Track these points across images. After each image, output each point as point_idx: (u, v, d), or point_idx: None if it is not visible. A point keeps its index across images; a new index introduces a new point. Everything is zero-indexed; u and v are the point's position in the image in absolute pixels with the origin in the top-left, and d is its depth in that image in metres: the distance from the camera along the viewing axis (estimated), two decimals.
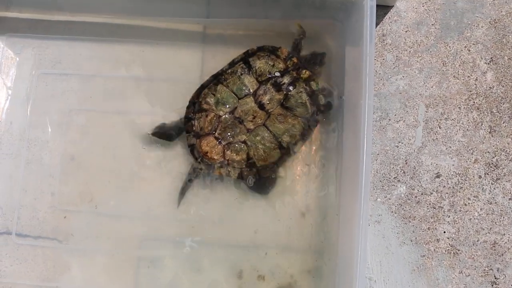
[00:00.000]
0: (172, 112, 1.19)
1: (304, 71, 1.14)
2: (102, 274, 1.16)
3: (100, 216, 1.18)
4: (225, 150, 1.12)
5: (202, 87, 1.16)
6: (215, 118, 1.13)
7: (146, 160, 1.19)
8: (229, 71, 1.14)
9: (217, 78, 1.15)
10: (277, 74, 1.13)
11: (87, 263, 1.16)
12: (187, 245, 1.16)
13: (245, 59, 1.15)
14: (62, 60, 1.24)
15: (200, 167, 1.15)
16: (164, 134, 1.18)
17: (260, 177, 1.14)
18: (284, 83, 1.12)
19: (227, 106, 1.13)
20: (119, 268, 1.16)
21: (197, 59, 1.22)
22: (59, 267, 1.17)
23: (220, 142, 1.12)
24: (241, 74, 1.13)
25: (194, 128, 1.14)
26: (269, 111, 1.12)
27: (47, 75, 1.24)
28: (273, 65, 1.13)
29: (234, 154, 1.12)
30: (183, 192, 1.17)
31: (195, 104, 1.16)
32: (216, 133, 1.12)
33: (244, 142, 1.12)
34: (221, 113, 1.13)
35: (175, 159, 1.19)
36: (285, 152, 1.14)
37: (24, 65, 1.25)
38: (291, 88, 1.12)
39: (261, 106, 1.12)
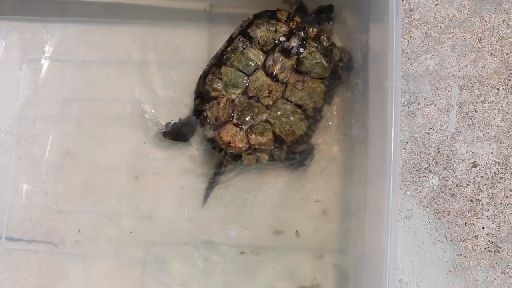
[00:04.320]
0: (177, 99, 1.20)
1: (311, 29, 1.12)
2: (103, 281, 1.16)
3: (99, 216, 1.18)
4: (249, 135, 1.11)
5: (205, 74, 1.15)
6: (228, 103, 1.11)
7: (149, 153, 1.19)
8: (229, 48, 1.12)
9: (219, 60, 1.13)
10: (282, 38, 1.11)
11: (87, 269, 1.17)
12: (197, 247, 1.16)
13: (243, 32, 1.13)
14: (53, 45, 1.24)
15: (227, 160, 1.13)
16: (177, 135, 1.17)
17: (293, 153, 1.14)
18: (292, 47, 1.10)
19: (238, 87, 1.11)
20: (122, 274, 1.16)
21: (203, 41, 1.22)
22: (55, 273, 1.17)
23: (241, 128, 1.11)
24: (244, 49, 1.11)
25: (208, 120, 1.13)
26: (284, 80, 1.11)
27: (37, 61, 1.24)
28: (276, 30, 1.11)
29: (260, 137, 1.11)
30: (209, 190, 1.17)
31: (202, 94, 1.14)
32: (234, 119, 1.11)
33: (267, 120, 1.11)
34: (233, 96, 1.11)
35: (183, 152, 1.19)
36: (312, 120, 1.13)
37: (11, 51, 1.25)
38: (301, 50, 1.10)
39: (274, 77, 1.10)
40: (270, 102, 1.11)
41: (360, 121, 1.16)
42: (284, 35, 1.11)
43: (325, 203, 1.17)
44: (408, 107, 1.18)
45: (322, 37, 1.12)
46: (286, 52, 1.11)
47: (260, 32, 1.12)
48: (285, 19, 1.13)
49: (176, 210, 1.19)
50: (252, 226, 1.17)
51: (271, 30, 1.11)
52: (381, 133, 0.98)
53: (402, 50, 1.19)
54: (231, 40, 1.14)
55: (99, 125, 1.22)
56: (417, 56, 1.19)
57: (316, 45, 1.11)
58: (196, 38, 1.23)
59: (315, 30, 1.12)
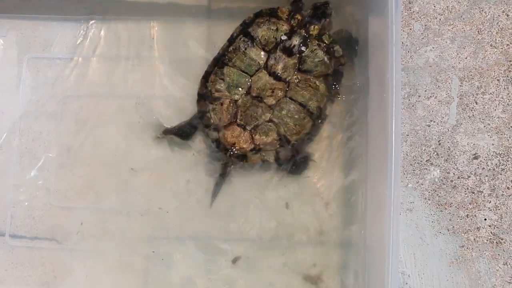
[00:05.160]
0: (176, 95, 1.20)
1: (313, 26, 1.11)
2: (107, 277, 1.17)
3: (102, 212, 1.19)
4: (253, 135, 1.11)
5: (207, 74, 1.15)
6: (231, 104, 1.12)
7: (150, 149, 1.19)
8: (231, 48, 1.13)
9: (220, 61, 1.13)
10: (284, 37, 1.11)
11: (90, 265, 1.17)
12: (201, 243, 1.17)
13: (244, 31, 1.13)
14: (53, 43, 1.25)
15: (232, 161, 1.14)
16: (177, 132, 1.17)
17: (297, 153, 1.14)
18: (294, 45, 1.10)
19: (241, 87, 1.11)
20: (126, 270, 1.17)
21: (202, 36, 1.22)
22: (59, 270, 1.18)
23: (245, 129, 1.11)
24: (245, 49, 1.11)
25: (212, 121, 1.13)
26: (287, 80, 1.11)
27: (37, 59, 1.25)
28: (277, 29, 1.11)
29: (264, 137, 1.11)
30: (216, 190, 1.17)
31: (205, 95, 1.14)
32: (238, 120, 1.11)
33: (271, 120, 1.11)
34: (236, 97, 1.11)
35: (185, 147, 1.20)
36: (316, 118, 1.13)
37: (11, 50, 1.25)
38: (303, 48, 1.10)
39: (276, 77, 1.10)
40: (274, 102, 1.11)
41: (360, 114, 1.17)
42: (285, 34, 1.11)
43: (327, 197, 1.17)
44: (409, 100, 1.18)
45: (324, 35, 1.12)
46: (288, 51, 1.10)
47: (261, 32, 1.11)
48: (286, 17, 1.12)
49: (177, 206, 1.19)
50: (256, 223, 1.18)
51: (272, 29, 1.11)
52: (382, 126, 0.98)
53: (402, 42, 1.19)
54: (232, 40, 1.14)
55: (99, 122, 1.22)
56: (417, 48, 1.19)
57: (318, 43, 1.11)
58: (195, 33, 1.23)
59: (316, 27, 1.12)
